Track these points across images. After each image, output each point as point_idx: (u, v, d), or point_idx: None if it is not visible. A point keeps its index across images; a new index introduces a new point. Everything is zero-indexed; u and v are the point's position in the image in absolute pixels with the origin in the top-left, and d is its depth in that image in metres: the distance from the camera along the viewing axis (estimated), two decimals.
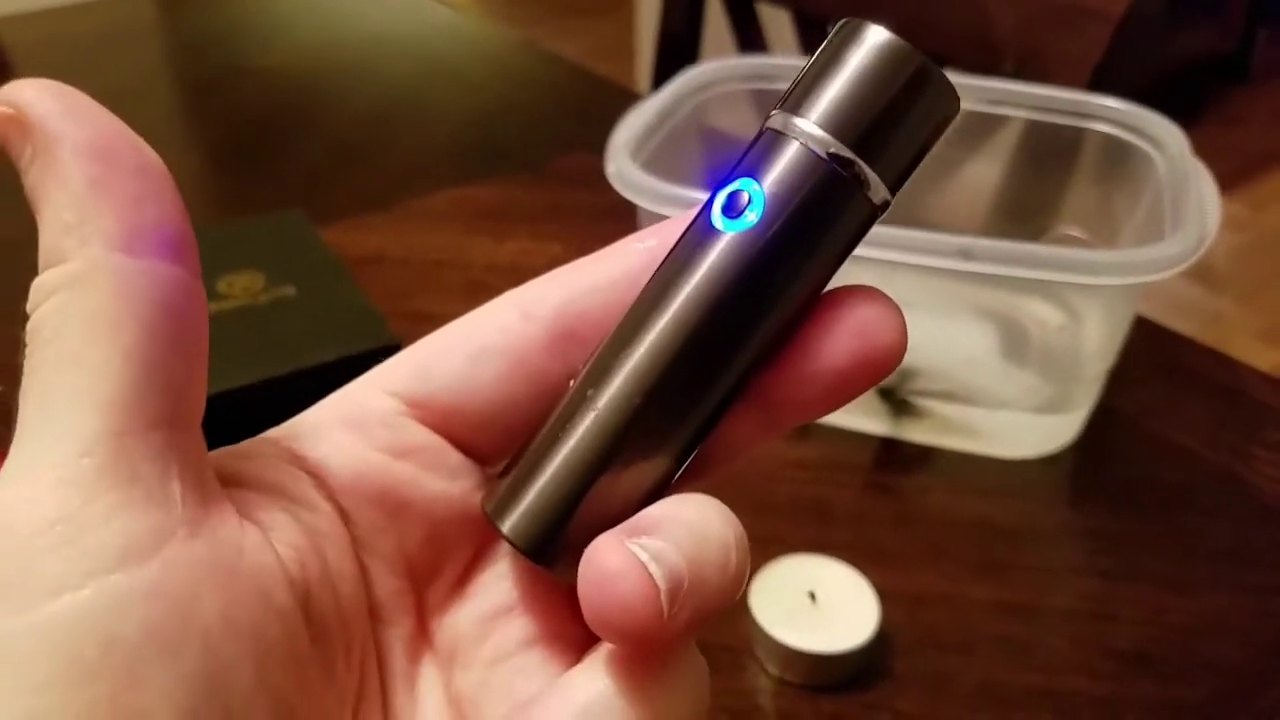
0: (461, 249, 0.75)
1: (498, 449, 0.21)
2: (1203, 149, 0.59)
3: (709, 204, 0.19)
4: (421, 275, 0.73)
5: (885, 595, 0.46)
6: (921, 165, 0.19)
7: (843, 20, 0.19)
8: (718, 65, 0.68)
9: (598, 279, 0.21)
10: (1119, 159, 0.63)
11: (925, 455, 0.58)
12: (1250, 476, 0.56)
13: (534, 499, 0.19)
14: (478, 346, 0.21)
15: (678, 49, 1.14)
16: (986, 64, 0.85)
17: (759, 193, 0.18)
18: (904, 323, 0.19)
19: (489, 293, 0.21)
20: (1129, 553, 0.52)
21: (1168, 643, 0.47)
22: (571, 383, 0.20)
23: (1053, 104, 0.65)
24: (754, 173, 0.19)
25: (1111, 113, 0.63)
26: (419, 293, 0.70)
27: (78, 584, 0.16)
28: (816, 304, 0.19)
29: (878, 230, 0.57)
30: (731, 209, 0.19)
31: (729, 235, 0.19)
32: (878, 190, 0.19)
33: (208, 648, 0.16)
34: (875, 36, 0.18)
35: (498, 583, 0.21)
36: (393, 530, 0.21)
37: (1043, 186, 0.69)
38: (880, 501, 0.55)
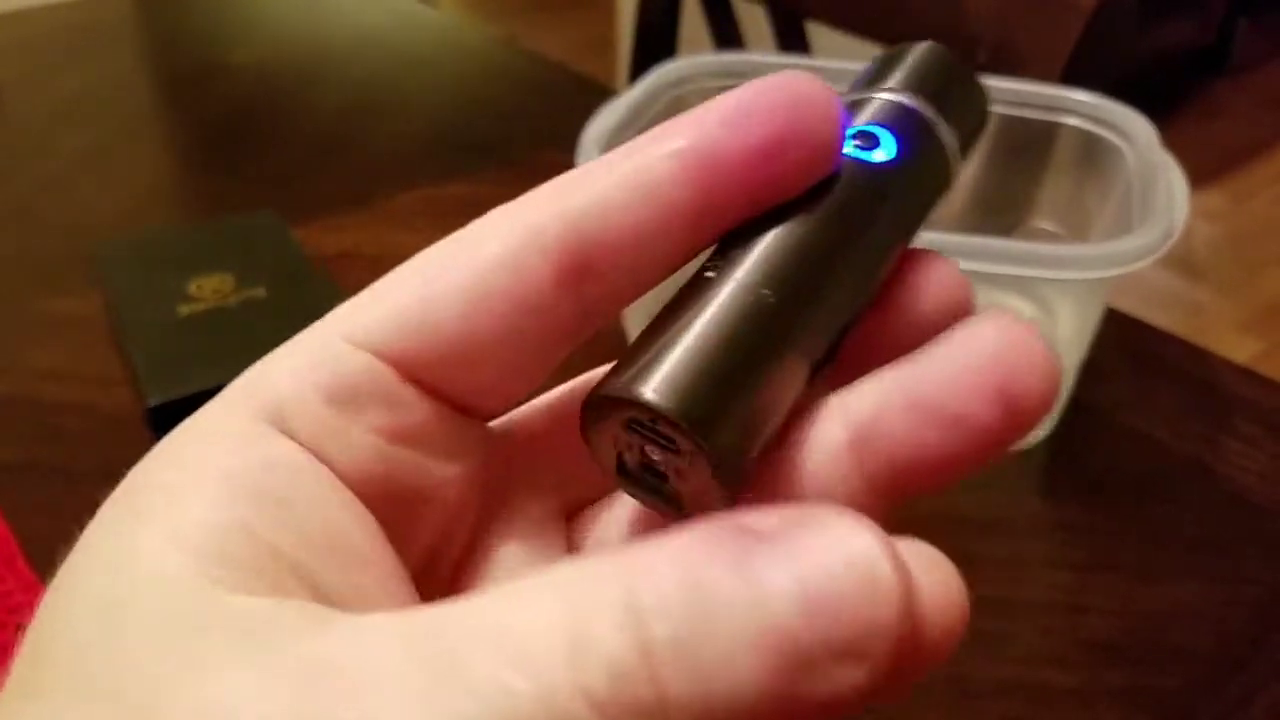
0: None
1: (503, 401, 0.19)
2: (1183, 141, 0.59)
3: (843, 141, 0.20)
4: None
5: None
6: None
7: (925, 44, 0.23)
8: (691, 61, 0.68)
9: (617, 199, 0.17)
10: (1090, 153, 0.63)
11: None
12: (1221, 467, 0.56)
13: (699, 378, 0.17)
14: (475, 284, 0.17)
15: (655, 45, 1.14)
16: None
17: (889, 137, 0.21)
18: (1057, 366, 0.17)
19: None
20: (1100, 544, 0.52)
21: (1139, 632, 0.48)
22: (728, 282, 0.18)
23: (1024, 98, 0.65)
24: (888, 125, 0.21)
25: (1082, 106, 0.63)
26: None
27: None
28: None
29: None
30: (867, 144, 0.21)
31: (868, 163, 0.20)
32: (956, 174, 0.22)
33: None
34: (950, 59, 0.23)
35: (505, 569, 0.19)
36: (395, 530, 0.18)
37: (1015, 181, 0.69)
38: None
